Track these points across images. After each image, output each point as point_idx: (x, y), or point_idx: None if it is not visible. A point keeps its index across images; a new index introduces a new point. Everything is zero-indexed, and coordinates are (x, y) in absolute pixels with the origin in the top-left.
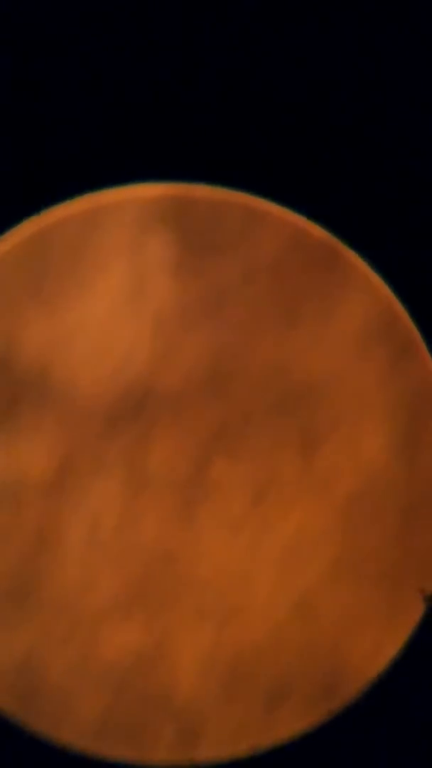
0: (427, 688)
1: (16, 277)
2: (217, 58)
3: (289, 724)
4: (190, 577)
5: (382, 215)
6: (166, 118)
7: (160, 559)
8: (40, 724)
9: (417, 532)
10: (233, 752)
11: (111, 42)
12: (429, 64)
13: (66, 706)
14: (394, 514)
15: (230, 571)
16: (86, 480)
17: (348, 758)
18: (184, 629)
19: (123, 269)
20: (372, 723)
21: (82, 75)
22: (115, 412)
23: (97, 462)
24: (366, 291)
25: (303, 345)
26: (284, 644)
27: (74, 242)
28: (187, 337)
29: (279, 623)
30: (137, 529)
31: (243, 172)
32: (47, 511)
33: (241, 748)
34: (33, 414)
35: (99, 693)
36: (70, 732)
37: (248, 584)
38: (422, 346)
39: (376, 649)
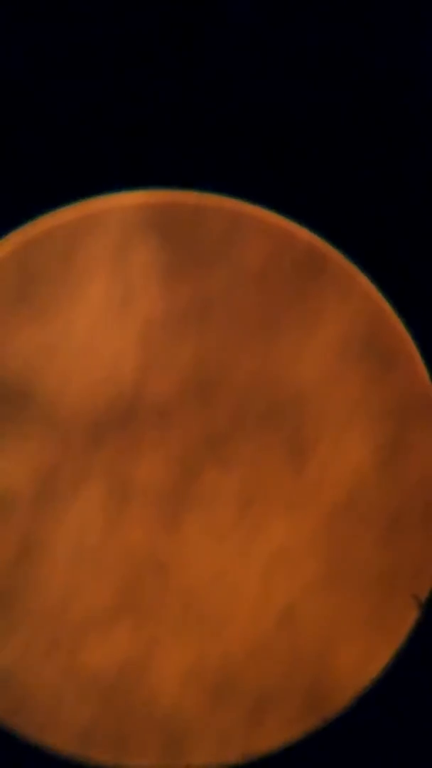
0: (422, 693)
1: (2, 289)
2: (199, 61)
3: (275, 734)
4: (176, 587)
5: (375, 219)
6: (150, 124)
7: (146, 569)
8: (28, 729)
9: (406, 538)
10: (218, 761)
11: (94, 51)
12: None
13: (53, 713)
14: (381, 522)
15: (216, 581)
16: (72, 490)
17: (346, 759)
18: (169, 639)
19: (108, 279)
20: (367, 727)
21: (62, 86)
22: (101, 422)
23: (83, 472)
24: (352, 297)
25: (289, 353)
26: (269, 654)
27: (60, 253)
28: (173, 346)
29: (264, 633)
30: (123, 539)
31: (228, 176)
32: (32, 521)
33: (226, 757)
34: (18, 425)
35: (85, 701)
36: (58, 738)
37: (234, 594)
38: (411, 352)
39: (366, 658)
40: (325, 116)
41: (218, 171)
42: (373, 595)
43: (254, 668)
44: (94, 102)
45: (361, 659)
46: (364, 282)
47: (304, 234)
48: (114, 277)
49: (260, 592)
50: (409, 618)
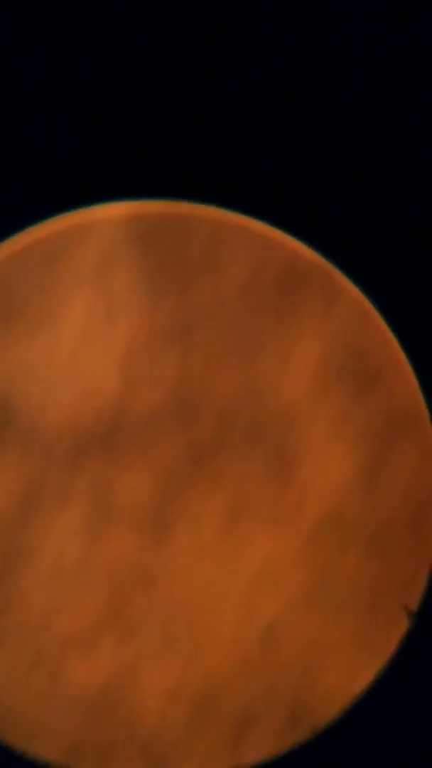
0: (414, 704)
1: None
2: (180, 65)
3: (259, 751)
4: (160, 604)
5: (368, 225)
6: (134, 133)
7: (130, 585)
8: (16, 740)
9: (392, 553)
10: None
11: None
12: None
13: (38, 727)
14: (367, 537)
15: (200, 597)
16: (55, 506)
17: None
18: (153, 655)
19: (92, 294)
20: (357, 736)
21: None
22: (84, 438)
23: (67, 488)
24: (337, 309)
25: (273, 367)
26: (253, 671)
27: (42, 268)
28: (157, 362)
29: (248, 649)
30: (106, 556)
31: (216, 184)
32: (15, 537)
33: None
34: (0, 442)
35: (69, 716)
36: (45, 750)
37: (218, 610)
38: (400, 363)
39: (351, 674)
40: (320, 122)
41: (205, 179)
42: (358, 611)
43: (238, 685)
44: (75, 114)
45: (346, 675)
46: (351, 291)
47: (289, 244)
48: (97, 292)
49: (244, 608)
50: (395, 633)
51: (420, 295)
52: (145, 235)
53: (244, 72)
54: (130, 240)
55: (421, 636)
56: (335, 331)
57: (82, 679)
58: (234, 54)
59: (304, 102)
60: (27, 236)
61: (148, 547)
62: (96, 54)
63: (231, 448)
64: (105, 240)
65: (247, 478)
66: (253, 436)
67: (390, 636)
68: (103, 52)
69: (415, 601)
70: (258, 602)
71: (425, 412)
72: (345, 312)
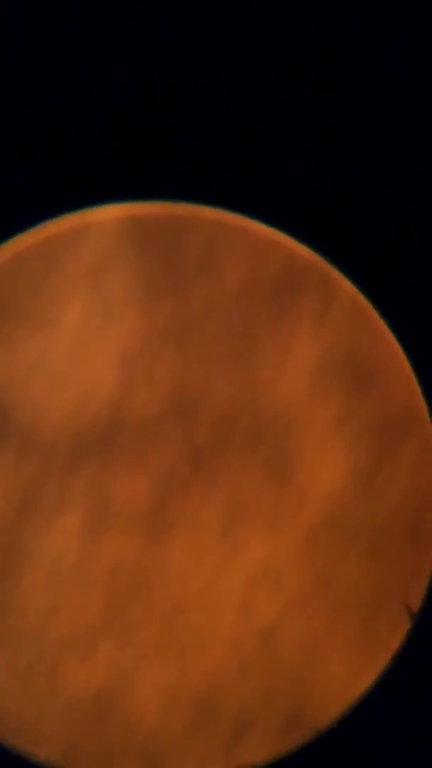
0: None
1: None
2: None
3: (256, 754)
4: (158, 606)
5: (368, 224)
6: (128, 135)
7: (128, 588)
8: (15, 742)
9: (391, 555)
10: None
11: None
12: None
13: (36, 729)
14: (366, 539)
15: (198, 600)
16: (52, 510)
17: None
18: (151, 658)
19: (87, 298)
20: (357, 737)
21: (34, 98)
22: (81, 442)
23: (64, 492)
24: (335, 310)
25: (270, 370)
26: (251, 673)
27: (37, 272)
28: (153, 365)
29: (246, 652)
30: (104, 559)
31: (212, 184)
32: (12, 541)
33: None
34: None
35: (66, 720)
36: (44, 752)
37: (216, 612)
38: (398, 364)
39: (351, 676)
40: (318, 122)
41: (201, 180)
42: (359, 612)
43: (236, 687)
44: (71, 117)
45: (346, 676)
46: (349, 291)
47: (286, 243)
48: (94, 294)
49: (243, 610)
50: (397, 634)
51: (419, 294)
52: (141, 237)
53: (241, 73)
54: (127, 242)
55: (423, 637)
56: (333, 332)
57: (80, 682)
58: (231, 55)
59: (302, 102)
60: (24, 239)
61: (146, 550)
62: (92, 55)
63: (229, 451)
64: (101, 242)
65: (245, 480)
66: (251, 438)
67: (391, 637)
68: (99, 53)
69: (416, 602)
70: (256, 604)
71: (425, 412)
72: (343, 312)
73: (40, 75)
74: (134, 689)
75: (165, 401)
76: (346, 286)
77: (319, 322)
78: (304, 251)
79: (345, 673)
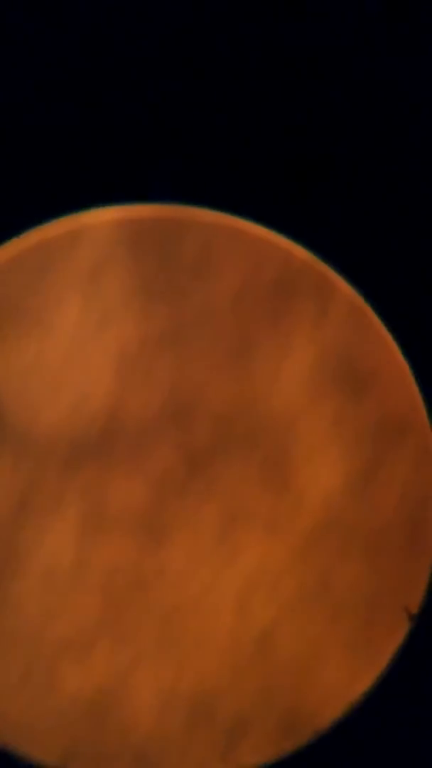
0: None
1: None
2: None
3: (252, 757)
4: (154, 610)
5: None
6: (125, 138)
7: (124, 591)
8: (11, 744)
9: (388, 558)
10: None
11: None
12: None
13: (33, 732)
14: (362, 542)
15: (195, 604)
16: (48, 513)
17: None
18: (147, 661)
19: (83, 301)
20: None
21: (31, 101)
22: (77, 446)
23: (60, 495)
24: (332, 313)
25: (266, 374)
26: (248, 676)
27: (31, 276)
28: (150, 369)
29: (243, 655)
30: (100, 562)
31: (213, 188)
32: (8, 544)
33: None
34: None
35: (62, 722)
36: (41, 754)
37: (213, 616)
38: (397, 366)
39: (348, 679)
40: (315, 123)
41: (197, 182)
42: (357, 614)
43: (232, 690)
44: (67, 119)
45: (345, 679)
46: (346, 292)
47: (283, 245)
48: (90, 297)
49: (239, 613)
50: (396, 636)
51: (417, 294)
52: (137, 239)
53: (238, 75)
54: (123, 244)
55: (422, 638)
56: (330, 333)
57: (76, 684)
58: (228, 57)
59: (299, 104)
60: (20, 242)
61: (142, 553)
62: (90, 57)
63: (226, 454)
64: (98, 244)
65: (242, 483)
66: (248, 441)
67: (390, 639)
68: (97, 55)
69: (415, 604)
70: (254, 607)
71: (424, 413)
72: (340, 313)
73: (37, 77)
74: (131, 691)
75: (161, 404)
76: (343, 287)
77: (316, 324)
78: (300, 253)
79: (343, 676)
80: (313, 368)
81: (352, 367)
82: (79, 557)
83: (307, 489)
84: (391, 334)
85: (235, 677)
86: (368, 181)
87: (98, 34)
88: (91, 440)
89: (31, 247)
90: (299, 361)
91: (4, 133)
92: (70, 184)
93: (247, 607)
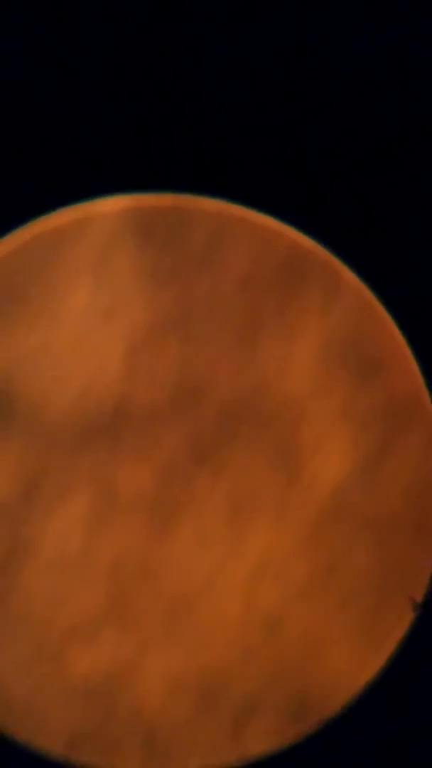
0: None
1: None
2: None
3: (261, 742)
4: (163, 594)
5: (371, 216)
6: (132, 126)
7: (133, 576)
8: (18, 732)
9: (397, 544)
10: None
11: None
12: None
13: (41, 718)
14: (371, 528)
15: (203, 589)
16: (57, 497)
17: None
18: (155, 646)
19: (92, 287)
20: (362, 728)
21: (38, 88)
22: (86, 430)
23: (69, 479)
24: (339, 299)
25: (275, 358)
26: (256, 662)
27: (42, 262)
28: (158, 353)
29: (251, 640)
30: (109, 546)
31: (217, 176)
32: (17, 528)
33: (211, 764)
34: (1, 433)
35: (71, 707)
36: (47, 741)
37: (221, 601)
38: (402, 353)
39: (356, 665)
40: (322, 112)
41: (207, 171)
42: (363, 602)
43: (242, 675)
44: (75, 107)
45: (351, 666)
46: (352, 281)
47: (290, 234)
48: (98, 285)
49: (248, 599)
50: (401, 624)
51: (422, 284)
52: (145, 228)
53: (246, 63)
54: (131, 232)
55: (426, 628)
56: (337, 322)
57: (84, 670)
58: (236, 45)
59: (306, 92)
60: (28, 230)
61: (150, 538)
62: (96, 43)
63: (234, 440)
64: (106, 232)
65: (250, 469)
66: (256, 427)
67: (395, 627)
68: (103, 41)
69: (420, 593)
70: (262, 593)
71: (428, 401)
72: (347, 302)
73: (43, 65)
74: (138, 678)
75: (170, 390)
76: (348, 276)
77: (322, 312)
78: (307, 242)
79: (349, 663)
80: (321, 354)
81: (360, 353)
82: (87, 543)
83: (315, 476)
84: (396, 323)
85: (244, 663)
86: (373, 170)
87: (102, 17)
88: (100, 426)
89: (39, 235)
90: (307, 348)
91: (11, 121)
92: (78, 172)
93: (256, 594)
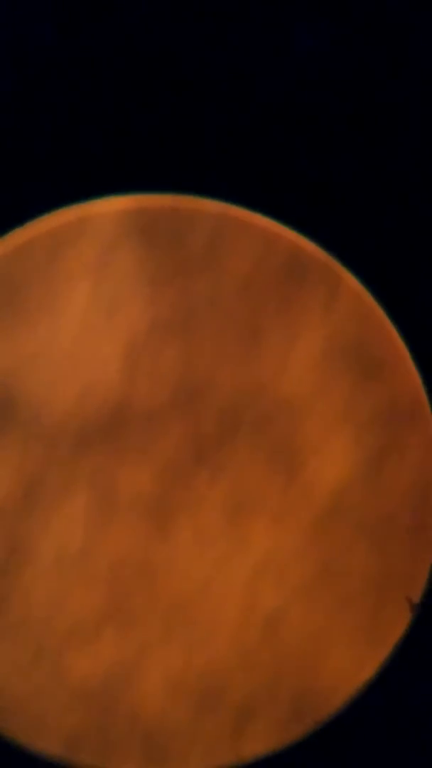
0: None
1: None
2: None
3: (261, 742)
4: (163, 595)
5: (369, 219)
6: (134, 127)
7: (132, 576)
8: (17, 734)
9: (396, 545)
10: None
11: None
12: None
13: (40, 719)
14: (371, 528)
15: (203, 589)
16: (57, 498)
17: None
18: (155, 646)
19: (93, 287)
20: (361, 727)
21: (39, 88)
22: (86, 430)
23: (69, 480)
24: (339, 301)
25: (276, 359)
26: (256, 662)
27: (43, 262)
28: (159, 354)
29: (250, 640)
30: (109, 547)
31: (219, 178)
32: (17, 529)
33: (211, 764)
34: (1, 433)
35: (71, 708)
36: (45, 743)
37: (221, 601)
38: (402, 355)
39: (355, 664)
40: (322, 115)
41: (208, 172)
42: (362, 602)
43: (240, 676)
44: (76, 107)
45: (349, 666)
46: (352, 284)
47: (290, 237)
48: (99, 285)
49: (247, 599)
50: (399, 624)
51: (421, 287)
52: (146, 229)
53: (247, 67)
54: (131, 233)
55: (424, 628)
56: (337, 324)
57: (83, 672)
58: (236, 48)
59: (308, 94)
60: (28, 230)
61: (150, 539)
62: (98, 43)
63: (234, 441)
64: (106, 233)
65: (250, 470)
66: (256, 428)
67: (393, 628)
68: (105, 42)
69: (417, 594)
70: (261, 593)
71: (427, 404)
72: (347, 305)
73: (43, 65)
74: (138, 678)
75: (170, 391)
76: (348, 279)
77: (322, 314)
78: (307, 245)
79: (348, 663)
80: (321, 356)
81: (360, 355)
82: (86, 543)
83: (315, 477)
84: (395, 326)
85: (243, 663)
86: (373, 173)
87: (104, 16)
88: (100, 426)
89: (40, 235)
90: (307, 350)
91: (11, 121)
92: (79, 173)
93: (255, 594)
